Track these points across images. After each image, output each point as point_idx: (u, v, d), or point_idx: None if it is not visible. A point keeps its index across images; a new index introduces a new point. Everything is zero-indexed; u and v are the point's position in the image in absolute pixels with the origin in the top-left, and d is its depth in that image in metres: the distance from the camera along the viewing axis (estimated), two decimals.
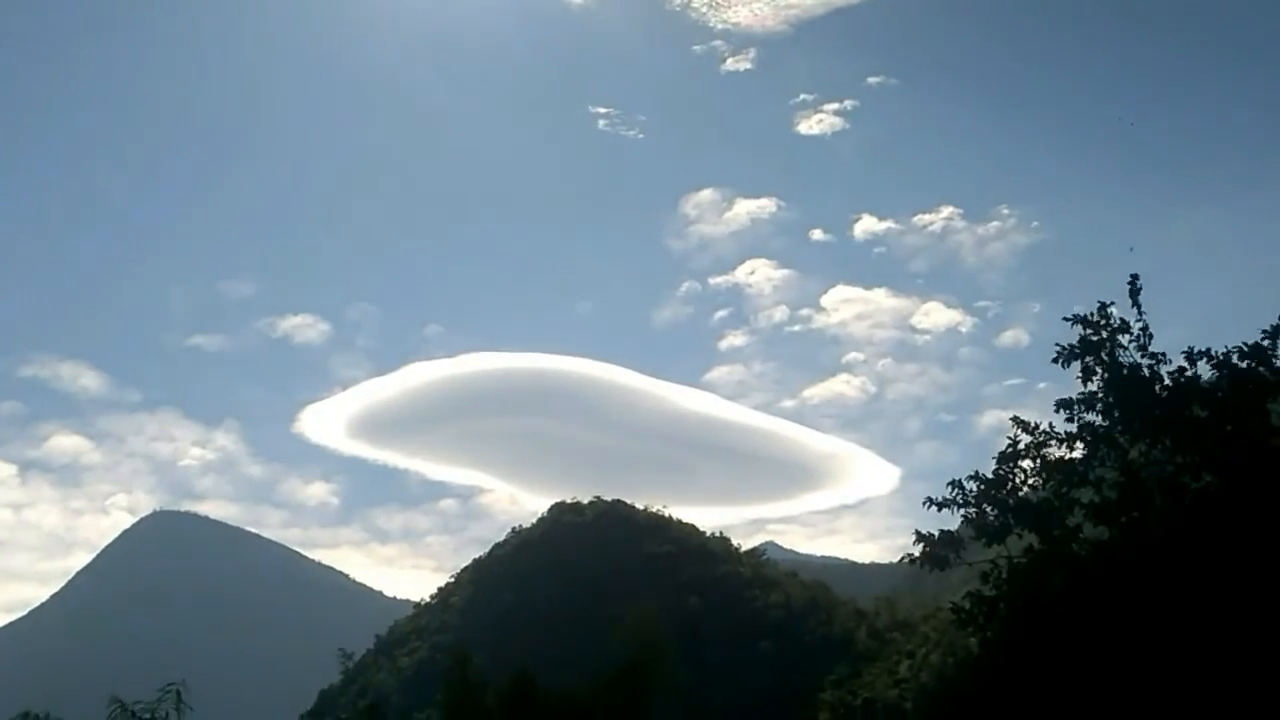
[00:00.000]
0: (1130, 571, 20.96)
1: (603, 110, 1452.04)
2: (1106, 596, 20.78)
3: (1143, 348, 22.50)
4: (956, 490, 22.74)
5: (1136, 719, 20.11)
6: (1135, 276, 22.74)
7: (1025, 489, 22.95)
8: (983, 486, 22.71)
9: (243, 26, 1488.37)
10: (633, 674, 31.88)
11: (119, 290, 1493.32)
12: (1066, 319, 22.91)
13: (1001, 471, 22.87)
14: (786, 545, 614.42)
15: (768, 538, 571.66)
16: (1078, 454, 22.48)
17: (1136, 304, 22.71)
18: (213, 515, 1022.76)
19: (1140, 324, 22.53)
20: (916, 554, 23.00)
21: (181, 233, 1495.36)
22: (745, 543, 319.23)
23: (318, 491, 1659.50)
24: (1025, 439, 22.95)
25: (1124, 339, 22.55)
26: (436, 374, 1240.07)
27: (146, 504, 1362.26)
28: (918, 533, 22.79)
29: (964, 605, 22.61)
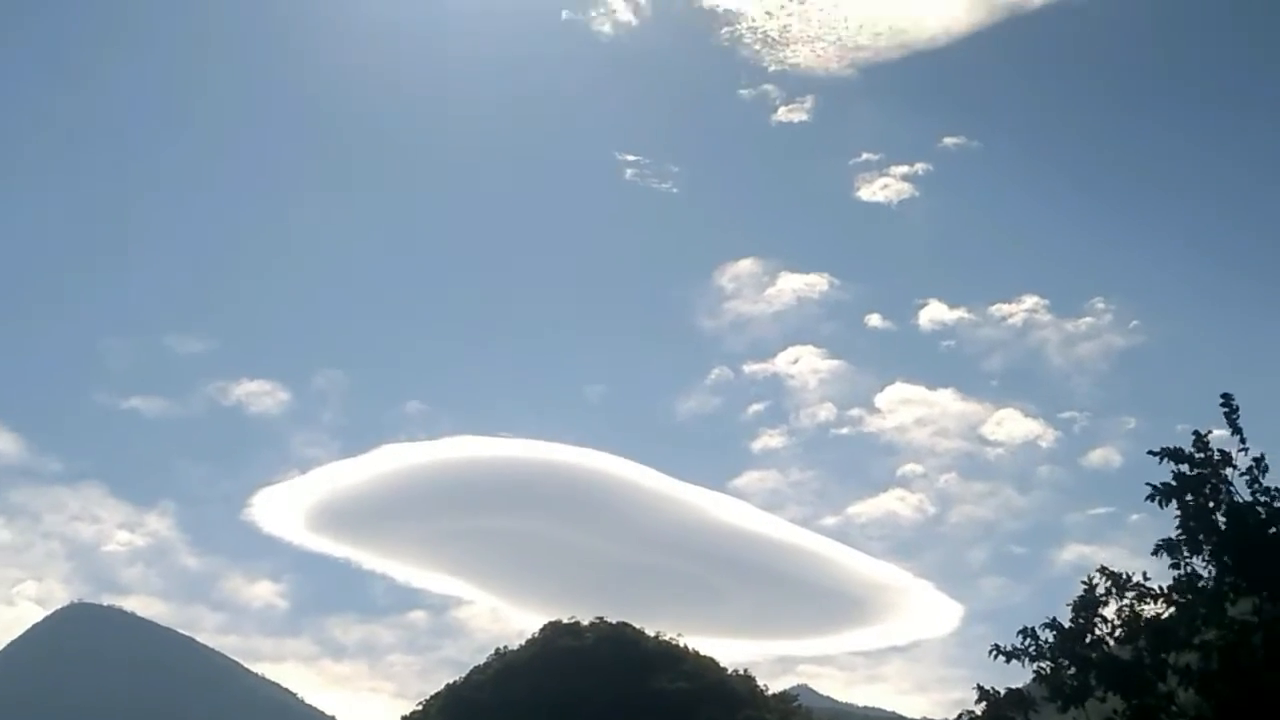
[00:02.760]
0: None
1: (631, 158, 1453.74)
2: None
3: (1255, 482, 22.64)
4: (1029, 639, 22.91)
5: None
6: (1229, 396, 22.83)
7: (1109, 643, 23.06)
8: (1060, 637, 22.87)
9: (220, 35, 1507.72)
10: None
11: (42, 336, 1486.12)
12: (1153, 453, 23.03)
13: (1081, 621, 23.02)
14: (822, 690, 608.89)
15: (800, 680, 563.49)
16: (1174, 609, 22.64)
17: (1236, 429, 22.90)
18: (140, 613, 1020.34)
19: (1248, 454, 22.68)
20: (978, 713, 23.11)
21: (123, 274, 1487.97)
22: (773, 684, 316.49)
23: (263, 592, 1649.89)
24: (1104, 584, 23.10)
25: (1229, 473, 22.74)
26: (414, 459, 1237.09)
27: (60, 595, 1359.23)
28: (979, 688, 22.93)
29: None
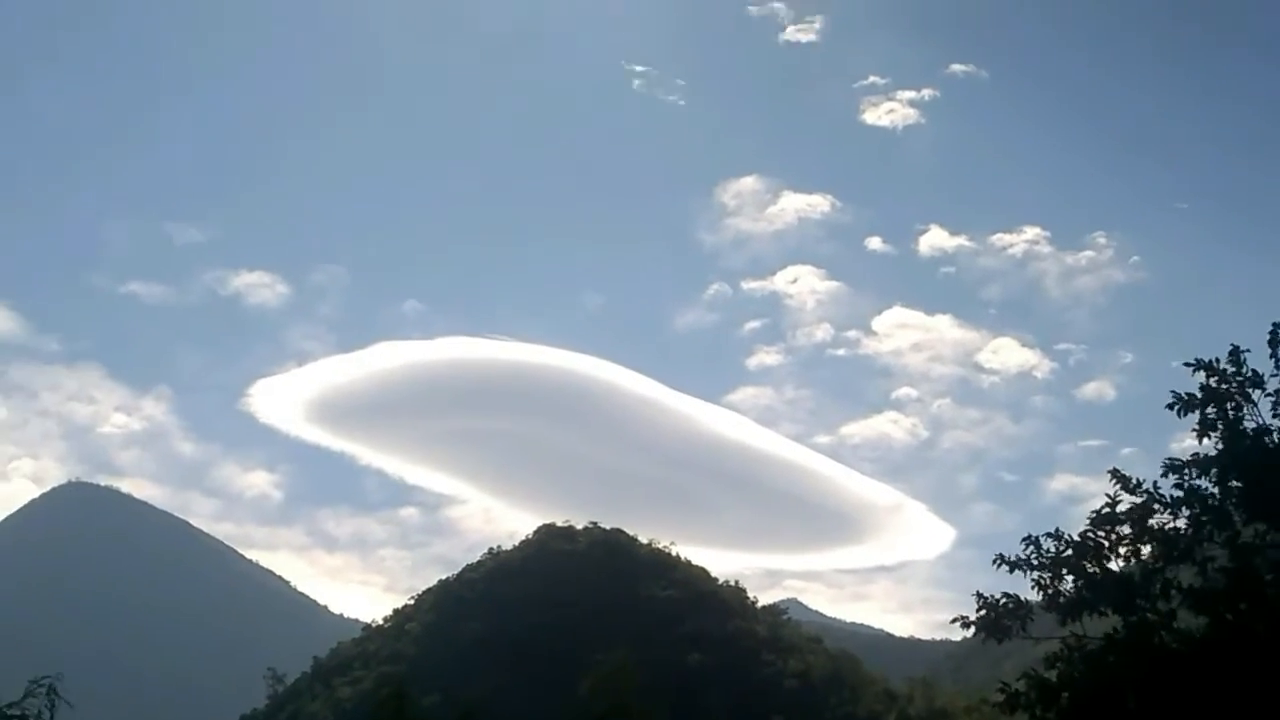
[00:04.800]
0: (1226, 674, 20.74)
1: (639, 68, 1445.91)
2: (1194, 701, 20.55)
3: (1278, 407, 22.32)
4: (1032, 549, 22.65)
5: None
6: (1278, 325, 22.47)
7: (1115, 560, 22.78)
8: (1064, 549, 22.59)
9: None
10: None
11: (45, 217, 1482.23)
12: (1187, 363, 22.73)
13: (1092, 535, 22.71)
14: (812, 605, 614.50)
15: (789, 594, 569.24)
16: (1181, 523, 22.35)
17: (1276, 356, 22.52)
18: (135, 495, 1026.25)
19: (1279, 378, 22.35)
20: (974, 619, 22.87)
21: (126, 160, 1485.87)
22: (763, 597, 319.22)
23: (258, 481, 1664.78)
24: (1127, 499, 22.79)
25: (1256, 394, 22.39)
26: (411, 357, 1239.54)
27: (56, 474, 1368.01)
28: (979, 595, 22.71)
29: (1017, 687, 22.36)
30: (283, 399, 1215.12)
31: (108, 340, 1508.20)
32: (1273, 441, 22.35)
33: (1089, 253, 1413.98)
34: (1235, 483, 22.37)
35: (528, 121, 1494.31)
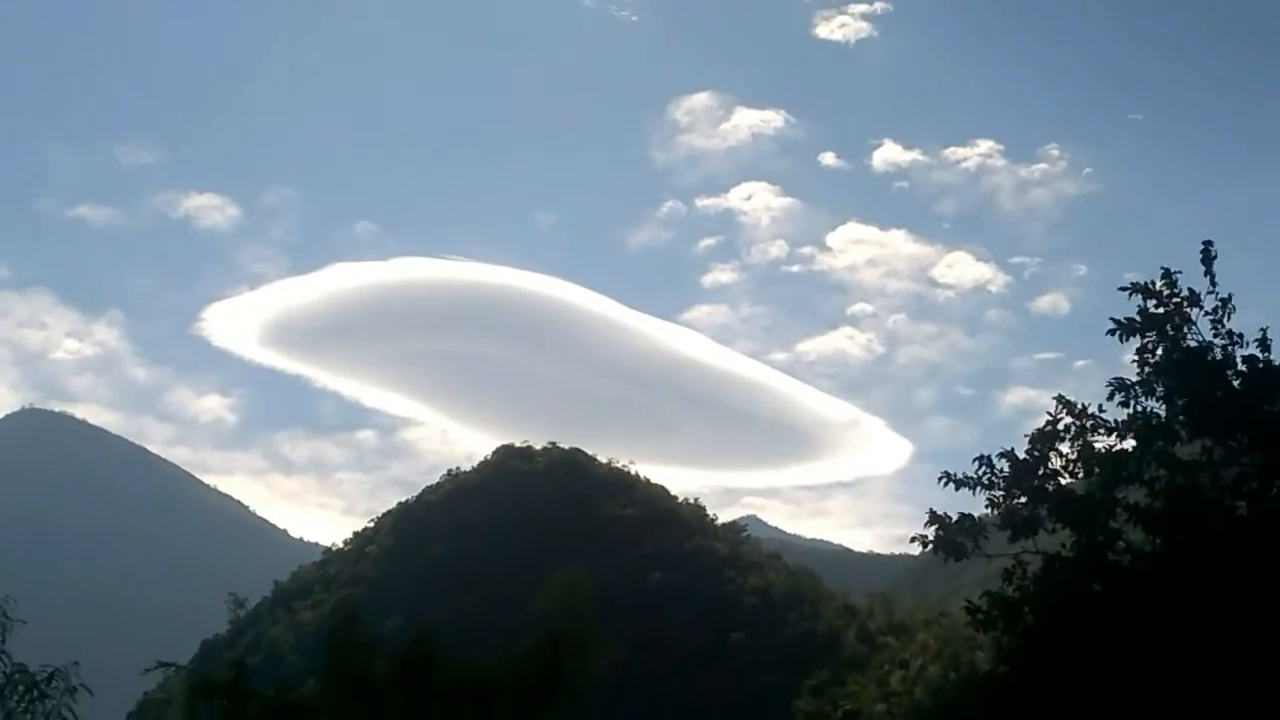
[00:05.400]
0: (1177, 587, 21.13)
1: None
2: (1148, 614, 20.93)
3: (1218, 324, 22.58)
4: (984, 468, 22.94)
5: None
6: (1209, 243, 22.75)
7: (1063, 477, 23.13)
8: (1015, 468, 22.90)
9: None
10: (549, 651, 31.98)
11: None
12: (1124, 288, 22.91)
13: (1037, 453, 23.04)
14: (771, 522, 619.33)
15: (749, 511, 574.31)
16: (1130, 443, 22.65)
17: (1210, 273, 22.75)
18: (91, 421, 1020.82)
19: (1216, 296, 22.55)
20: (929, 536, 23.21)
21: (71, 82, 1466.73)
22: (722, 515, 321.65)
23: (213, 405, 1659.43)
24: (1067, 420, 23.06)
25: (1194, 314, 22.63)
26: (364, 279, 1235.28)
27: (8, 400, 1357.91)
28: (932, 513, 23.00)
29: (980, 605, 22.79)
30: (236, 322, 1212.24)
31: (57, 265, 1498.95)
32: (1214, 358, 22.64)
33: (1042, 165, 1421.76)
34: (1180, 401, 22.66)
35: (479, 40, 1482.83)
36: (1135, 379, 22.89)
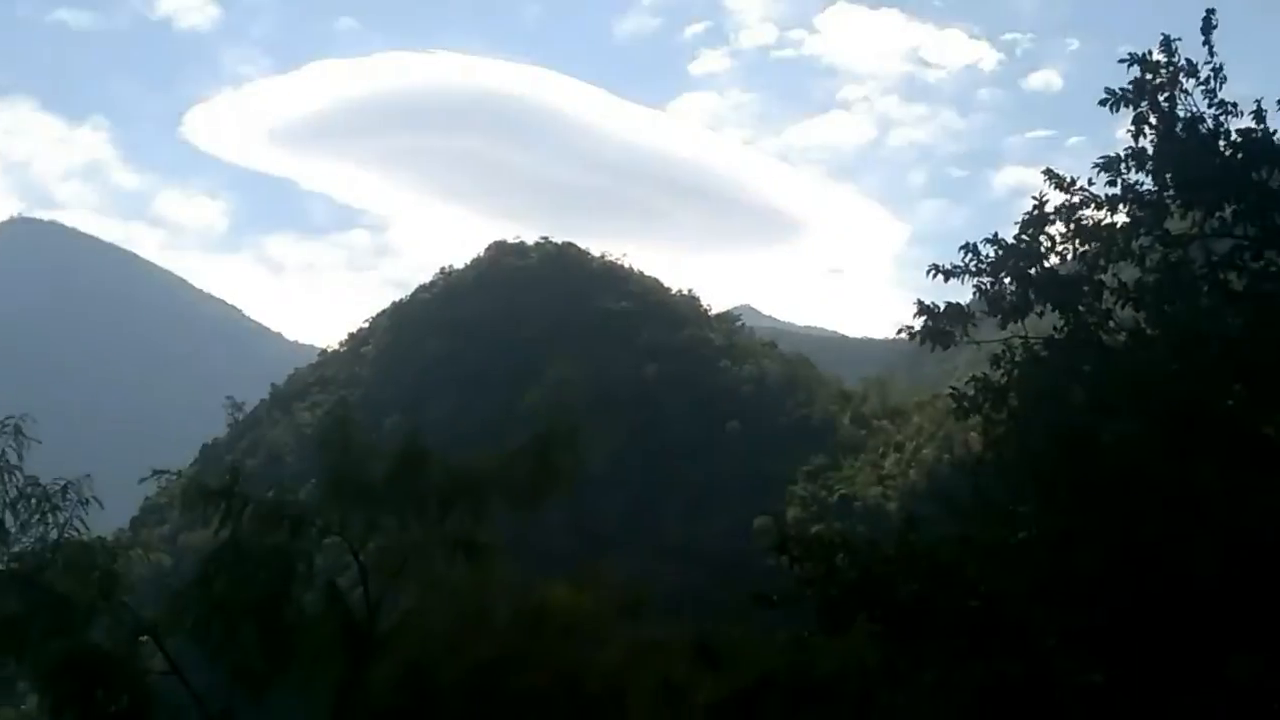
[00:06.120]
0: (1165, 367, 21.08)
1: None
2: (1139, 396, 20.91)
3: (1211, 93, 22.11)
4: (970, 255, 22.68)
5: (1158, 529, 20.56)
6: (1211, 11, 22.14)
7: (1053, 259, 22.88)
8: (1001, 253, 22.64)
9: None
10: (541, 446, 31.99)
11: None
12: (1122, 60, 22.36)
13: (1025, 237, 22.76)
14: (765, 310, 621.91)
15: (743, 300, 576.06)
16: (1121, 219, 22.34)
17: (1208, 42, 22.18)
18: (81, 229, 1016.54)
19: (1211, 65, 22.03)
20: (916, 327, 23.08)
21: None
22: (716, 304, 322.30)
23: (202, 210, 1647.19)
24: (1057, 197, 22.72)
25: (1189, 84, 22.12)
26: (347, 76, 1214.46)
27: None
28: (919, 303, 22.81)
29: (966, 391, 22.76)
30: (221, 125, 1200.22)
31: (38, 71, 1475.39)
32: (1206, 128, 22.21)
33: None
34: (1170, 175, 22.29)
35: None
36: (1125, 153, 22.48)
